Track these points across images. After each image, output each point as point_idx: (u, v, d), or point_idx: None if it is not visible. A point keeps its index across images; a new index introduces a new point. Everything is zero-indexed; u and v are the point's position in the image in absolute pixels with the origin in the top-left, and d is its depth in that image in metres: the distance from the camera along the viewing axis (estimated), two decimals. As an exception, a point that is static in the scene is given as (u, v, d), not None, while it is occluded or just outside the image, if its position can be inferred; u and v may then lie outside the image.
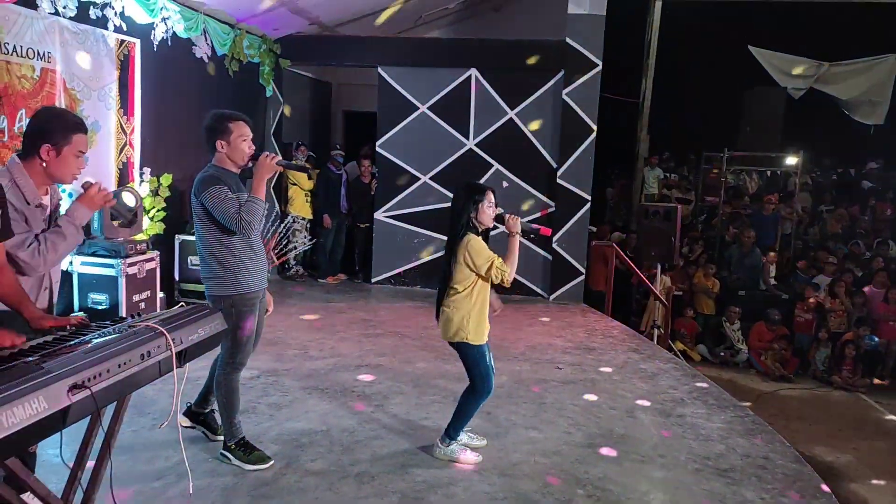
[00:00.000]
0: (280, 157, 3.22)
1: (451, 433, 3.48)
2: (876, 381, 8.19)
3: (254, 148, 3.19)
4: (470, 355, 3.37)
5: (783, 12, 11.49)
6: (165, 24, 5.84)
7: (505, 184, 7.65)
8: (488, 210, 3.33)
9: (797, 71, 11.35)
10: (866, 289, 8.87)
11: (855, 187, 12.48)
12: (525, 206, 7.66)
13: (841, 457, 5.96)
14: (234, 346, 3.20)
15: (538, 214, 7.68)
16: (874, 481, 5.40)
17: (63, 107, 4.64)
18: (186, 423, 3.50)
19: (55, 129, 2.37)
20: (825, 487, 3.49)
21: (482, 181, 7.52)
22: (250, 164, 3.16)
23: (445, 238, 3.44)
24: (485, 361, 3.39)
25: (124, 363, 1.90)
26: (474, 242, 3.28)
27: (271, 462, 3.32)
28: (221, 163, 3.15)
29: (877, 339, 8.36)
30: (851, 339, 8.23)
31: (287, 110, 8.28)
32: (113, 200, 2.55)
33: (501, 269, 3.27)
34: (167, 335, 2.08)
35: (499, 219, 3.37)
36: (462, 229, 3.29)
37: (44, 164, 2.37)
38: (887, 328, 8.45)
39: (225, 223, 3.04)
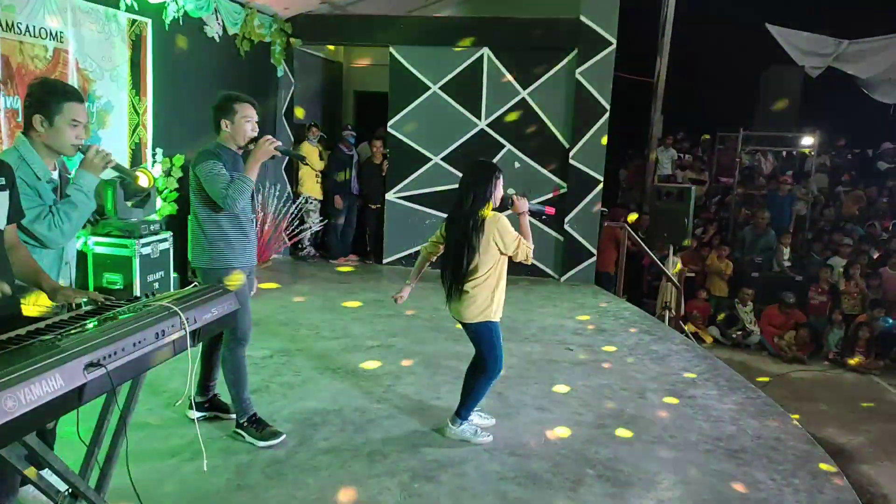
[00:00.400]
0: (280, 143, 3.28)
1: (462, 413, 3.50)
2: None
3: (257, 130, 3.27)
4: (489, 335, 3.37)
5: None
6: (177, 3, 5.82)
7: (517, 164, 7.61)
8: (500, 189, 3.32)
9: (815, 49, 11.14)
10: (882, 270, 8.77)
11: (872, 168, 12.28)
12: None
13: (853, 439, 5.93)
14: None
15: (550, 194, 7.64)
16: (885, 463, 5.38)
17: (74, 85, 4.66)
18: (196, 414, 3.51)
19: (44, 98, 2.40)
20: (830, 468, 3.48)
21: (494, 161, 7.54)
22: (251, 146, 3.23)
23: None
24: (500, 341, 3.41)
25: (139, 342, 1.91)
26: (504, 221, 3.26)
27: (283, 436, 3.37)
28: (224, 141, 3.26)
29: (891, 320, 8.29)
30: (865, 321, 8.16)
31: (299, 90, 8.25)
32: (113, 160, 2.58)
33: (527, 245, 3.27)
34: (181, 314, 2.10)
35: (505, 199, 3.35)
36: (479, 206, 3.26)
37: (40, 136, 2.41)
38: (902, 310, 8.38)
39: (212, 196, 3.15)
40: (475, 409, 3.57)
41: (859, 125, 12.84)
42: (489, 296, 3.31)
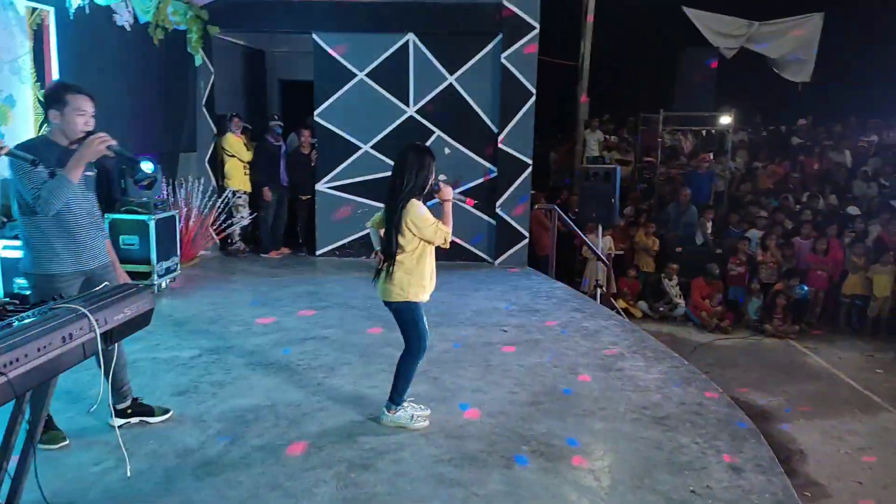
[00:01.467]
0: (115, 143, 3.05)
1: (395, 398, 3.50)
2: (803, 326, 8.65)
3: (91, 125, 3.06)
4: (409, 315, 3.40)
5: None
6: (80, -10, 5.51)
7: (447, 150, 7.63)
8: (433, 174, 3.35)
9: (728, 30, 11.63)
10: (794, 240, 9.29)
11: (786, 144, 12.96)
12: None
13: (772, 400, 6.30)
14: None
15: (481, 180, 7.70)
16: (801, 421, 5.74)
17: None
18: (118, 422, 3.31)
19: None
20: (747, 426, 3.68)
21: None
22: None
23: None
24: (423, 321, 3.43)
25: (43, 347, 1.82)
26: (415, 209, 3.27)
27: (65, 442, 3.19)
28: (51, 135, 3.06)
29: (806, 288, 8.80)
30: (781, 290, 8.63)
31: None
32: (6, 147, 2.54)
33: (445, 231, 3.31)
34: (90, 316, 2.01)
35: (433, 186, 3.37)
36: (416, 191, 3.27)
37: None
38: (815, 277, 8.90)
39: (25, 197, 2.94)
40: (408, 397, 3.58)
41: (773, 103, 13.52)
42: (407, 276, 3.34)
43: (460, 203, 3.61)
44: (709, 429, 3.63)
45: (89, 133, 3.02)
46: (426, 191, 3.36)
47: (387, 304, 3.45)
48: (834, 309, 8.96)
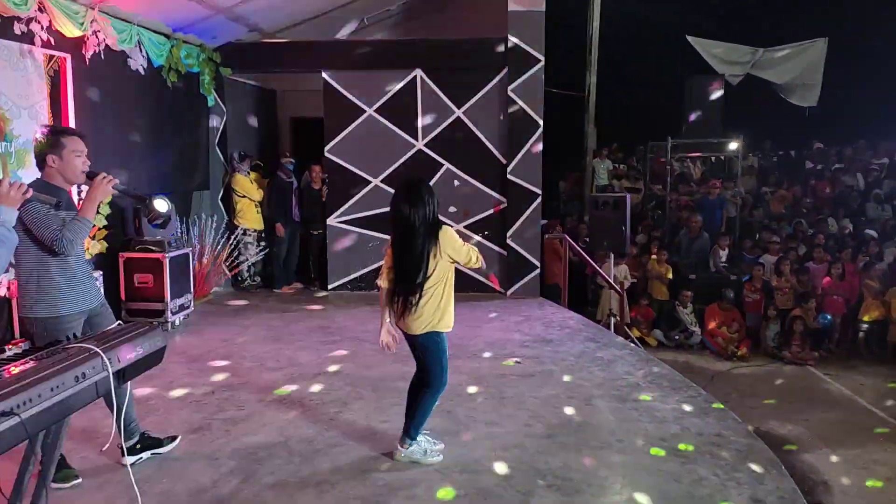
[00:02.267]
0: (118, 182, 3.12)
1: (411, 433, 3.46)
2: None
3: (88, 164, 3.11)
4: (436, 346, 3.36)
5: (719, 3, 11.85)
6: (97, 37, 5.67)
7: (456, 182, 7.68)
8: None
9: (734, 58, 11.72)
10: (808, 265, 9.19)
11: (797, 168, 12.92)
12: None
13: (793, 429, 6.15)
14: None
15: (491, 210, 7.73)
16: (824, 450, 5.60)
17: None
18: (130, 460, 3.29)
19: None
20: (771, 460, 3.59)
21: (433, 181, 7.60)
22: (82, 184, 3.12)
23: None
24: (446, 354, 3.41)
25: (57, 387, 1.83)
26: (451, 233, 3.29)
27: (77, 480, 3.18)
28: (51, 178, 3.07)
29: (829, 317, 8.63)
30: (799, 315, 8.51)
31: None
32: (29, 191, 2.46)
33: (475, 250, 3.37)
34: (103, 355, 2.02)
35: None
36: (433, 225, 3.28)
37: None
38: (831, 302, 8.78)
39: (45, 240, 2.95)
40: (424, 430, 3.54)
41: (781, 128, 13.53)
42: (439, 306, 3.32)
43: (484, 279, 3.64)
44: (729, 460, 3.55)
45: (90, 174, 3.08)
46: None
47: (411, 337, 3.40)
48: (852, 334, 8.81)
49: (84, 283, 3.17)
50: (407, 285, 3.30)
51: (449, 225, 3.37)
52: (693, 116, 10.86)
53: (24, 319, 3.10)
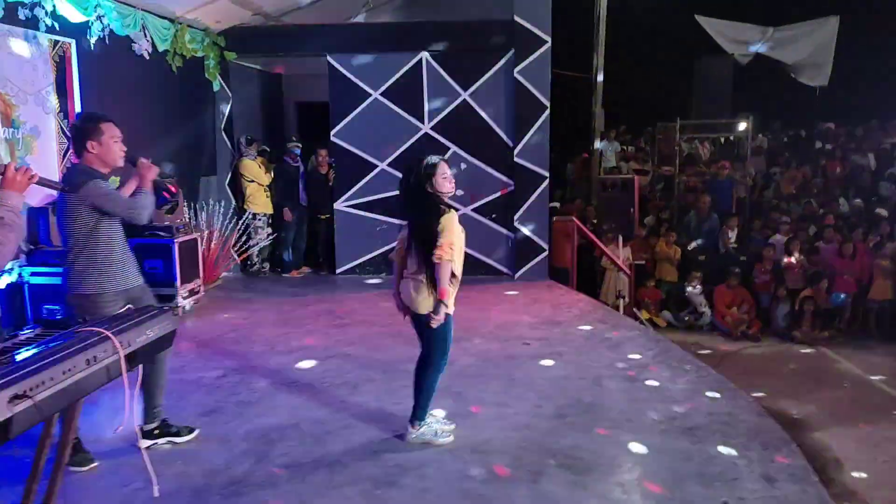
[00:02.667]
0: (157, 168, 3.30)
1: (419, 414, 3.48)
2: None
3: (125, 149, 3.22)
4: (443, 326, 3.34)
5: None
6: (101, 21, 5.66)
7: (463, 165, 7.64)
8: (443, 181, 3.33)
9: (743, 37, 11.57)
10: (819, 244, 9.12)
11: (807, 148, 12.79)
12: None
13: (804, 408, 6.15)
14: None
15: (498, 193, 7.70)
16: (835, 429, 5.59)
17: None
18: (146, 443, 3.35)
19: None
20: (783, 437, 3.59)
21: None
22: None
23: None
24: (450, 333, 3.40)
25: (69, 370, 1.84)
26: (452, 220, 3.25)
27: (93, 464, 3.22)
28: (90, 163, 3.16)
29: (843, 296, 8.57)
30: (810, 295, 8.47)
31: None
32: (36, 175, 2.46)
33: (445, 259, 3.24)
34: (113, 338, 2.03)
35: None
36: (420, 196, 3.28)
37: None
38: (842, 281, 8.72)
39: (121, 212, 3.14)
40: (432, 411, 3.54)
41: (791, 107, 13.38)
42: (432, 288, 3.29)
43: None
44: (739, 439, 3.55)
45: (129, 158, 3.22)
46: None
47: (417, 316, 3.39)
48: (863, 314, 8.76)
49: (127, 262, 3.28)
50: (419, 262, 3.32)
51: (455, 209, 3.32)
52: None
53: (70, 297, 3.18)
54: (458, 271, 3.37)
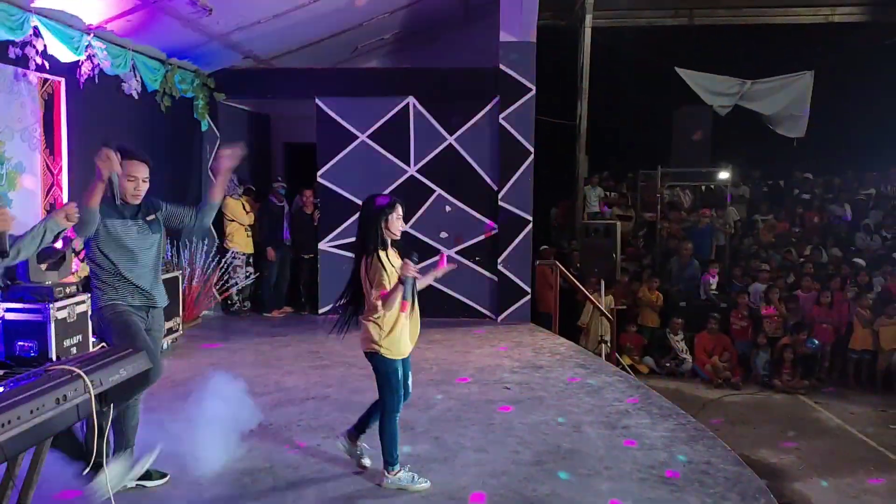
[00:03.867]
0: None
1: (389, 460, 3.43)
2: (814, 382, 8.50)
3: (140, 190, 3.30)
4: (382, 368, 3.36)
5: (706, 35, 12.08)
6: (91, 61, 5.72)
7: (448, 208, 7.72)
8: (396, 222, 3.33)
9: (721, 89, 11.92)
10: (797, 293, 9.24)
11: (785, 198, 13.05)
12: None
13: (784, 457, 6.14)
14: None
15: (482, 235, 7.76)
16: (815, 479, 5.58)
17: None
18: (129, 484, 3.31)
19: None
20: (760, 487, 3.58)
21: (425, 207, 7.66)
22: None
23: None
24: (396, 377, 3.38)
25: (36, 409, 1.81)
26: (377, 264, 3.27)
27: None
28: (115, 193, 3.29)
29: (816, 342, 8.66)
30: (789, 343, 8.53)
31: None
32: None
33: (378, 299, 3.25)
34: (84, 377, 2.00)
35: (410, 256, 3.22)
36: (376, 244, 3.29)
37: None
38: (820, 330, 8.81)
39: (184, 226, 3.57)
40: (406, 469, 3.47)
41: (770, 158, 13.70)
42: (376, 329, 3.32)
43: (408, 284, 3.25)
44: (717, 489, 3.53)
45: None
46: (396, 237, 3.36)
47: (365, 356, 3.42)
48: (842, 363, 8.83)
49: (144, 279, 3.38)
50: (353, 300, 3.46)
51: (383, 251, 3.29)
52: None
53: (95, 312, 3.31)
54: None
